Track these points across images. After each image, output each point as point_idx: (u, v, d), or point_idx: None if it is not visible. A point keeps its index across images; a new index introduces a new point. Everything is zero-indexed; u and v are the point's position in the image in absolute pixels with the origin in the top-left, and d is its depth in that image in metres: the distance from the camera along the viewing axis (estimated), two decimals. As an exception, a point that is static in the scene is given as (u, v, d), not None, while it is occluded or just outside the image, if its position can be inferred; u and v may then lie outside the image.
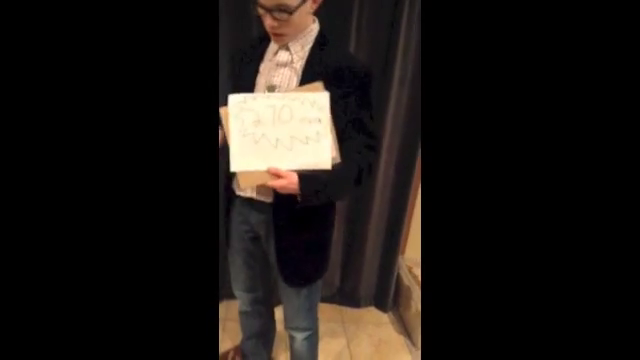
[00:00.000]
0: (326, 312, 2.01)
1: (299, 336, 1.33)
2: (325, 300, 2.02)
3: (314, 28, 1.05)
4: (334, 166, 0.98)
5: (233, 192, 1.18)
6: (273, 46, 1.07)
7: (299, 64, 1.04)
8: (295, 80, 1.03)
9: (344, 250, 1.99)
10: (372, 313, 2.09)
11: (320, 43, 1.04)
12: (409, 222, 1.98)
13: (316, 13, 1.07)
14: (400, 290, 2.05)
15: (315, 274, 1.22)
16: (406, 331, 1.95)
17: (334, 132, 0.98)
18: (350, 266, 2.02)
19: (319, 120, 0.96)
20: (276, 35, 1.01)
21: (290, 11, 0.93)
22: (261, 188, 1.08)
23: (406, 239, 2.03)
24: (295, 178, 0.96)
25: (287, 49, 1.04)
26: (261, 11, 0.96)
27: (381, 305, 2.09)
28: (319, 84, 0.96)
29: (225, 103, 0.99)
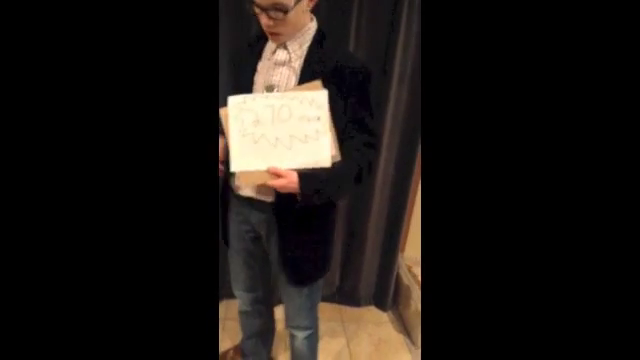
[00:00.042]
0: (326, 311, 2.01)
1: (300, 335, 1.33)
2: (325, 299, 2.02)
3: (312, 27, 1.05)
4: (334, 164, 0.98)
5: (233, 191, 1.18)
6: (271, 45, 1.07)
7: (297, 63, 1.03)
8: (294, 79, 1.03)
9: (344, 249, 1.99)
10: (372, 312, 2.09)
11: (318, 41, 1.04)
12: (409, 221, 1.98)
13: (315, 12, 1.06)
14: (400, 289, 2.05)
15: (318, 272, 1.22)
16: (406, 330, 1.95)
17: (333, 130, 0.98)
18: (350, 265, 2.02)
19: (318, 118, 0.96)
20: (273, 34, 1.01)
21: (286, 10, 0.93)
22: (261, 187, 1.08)
23: (405, 238, 2.03)
24: (295, 177, 0.96)
25: (285, 48, 1.04)
26: (257, 10, 0.96)
27: (381, 304, 2.09)
28: (318, 83, 0.96)
29: (225, 104, 0.99)
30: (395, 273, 2.01)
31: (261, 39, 1.09)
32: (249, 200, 1.13)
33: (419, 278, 1.89)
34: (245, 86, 1.07)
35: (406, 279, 1.98)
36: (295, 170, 0.97)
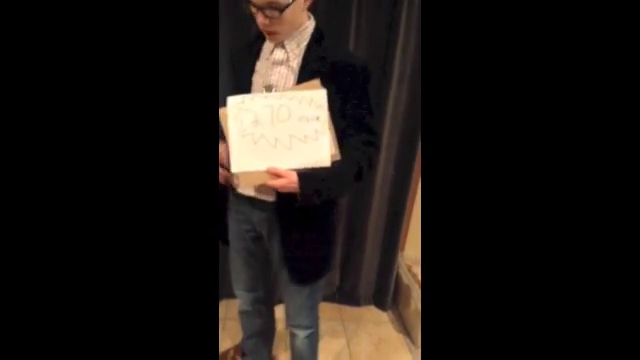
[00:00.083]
0: (326, 311, 2.01)
1: (301, 334, 1.33)
2: (325, 299, 2.02)
3: (310, 25, 1.04)
4: (333, 163, 0.98)
5: (233, 191, 1.18)
6: (269, 45, 1.06)
7: (295, 62, 1.03)
8: (292, 78, 1.03)
9: (343, 249, 1.99)
10: (372, 312, 2.09)
11: (316, 40, 1.04)
12: (408, 220, 1.98)
13: (314, 11, 1.06)
14: (400, 288, 2.05)
15: (320, 271, 1.22)
16: (405, 330, 1.96)
17: (332, 129, 0.98)
18: (349, 265, 2.02)
19: (317, 118, 0.96)
20: (270, 33, 1.00)
21: (281, 8, 0.93)
22: (262, 187, 1.08)
23: (405, 237, 2.03)
24: (295, 177, 0.96)
25: (282, 47, 1.03)
26: (253, 9, 0.96)
27: (380, 304, 2.09)
28: (316, 82, 0.96)
29: (225, 104, 0.99)
30: (395, 272, 2.01)
31: (259, 39, 1.09)
32: (250, 199, 1.13)
33: (419, 277, 1.90)
34: (244, 86, 1.07)
35: (406, 278, 1.98)
36: (295, 170, 0.97)
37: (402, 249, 2.04)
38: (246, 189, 1.12)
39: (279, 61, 1.04)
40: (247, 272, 1.33)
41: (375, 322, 2.02)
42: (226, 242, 1.30)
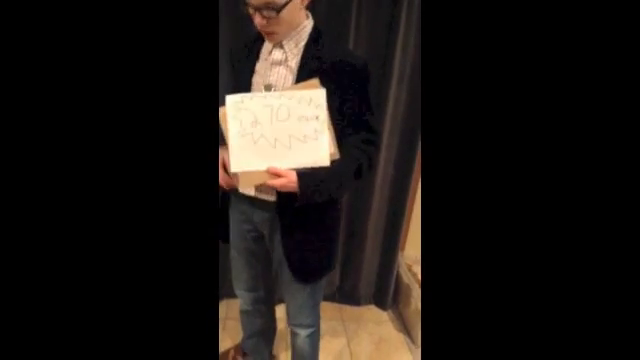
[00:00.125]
0: (326, 311, 2.01)
1: (302, 333, 1.33)
2: (325, 299, 2.02)
3: (308, 24, 1.04)
4: (332, 162, 0.98)
5: (235, 191, 1.18)
6: (268, 45, 1.06)
7: (294, 62, 1.03)
8: (290, 78, 1.03)
9: (344, 248, 2.00)
10: (372, 311, 2.09)
11: (315, 39, 1.03)
12: (408, 220, 1.98)
13: (314, 11, 1.06)
14: (400, 288, 2.06)
15: (322, 270, 1.22)
16: (406, 329, 1.96)
17: (332, 128, 0.98)
18: (350, 264, 2.02)
19: (316, 117, 0.96)
20: (268, 34, 1.00)
21: (278, 8, 0.93)
22: (263, 187, 1.09)
23: (405, 237, 2.03)
24: (294, 177, 0.96)
25: (281, 47, 1.03)
26: (250, 10, 0.96)
27: (381, 303, 2.09)
28: (315, 81, 0.96)
29: (225, 103, 0.99)
30: (395, 272, 2.01)
31: (258, 39, 1.09)
32: (251, 199, 1.14)
33: (419, 277, 1.90)
34: (244, 87, 1.07)
35: (406, 278, 1.98)
36: (294, 169, 0.97)
37: (402, 249, 2.04)
38: (246, 189, 1.12)
39: (277, 61, 1.04)
40: (248, 272, 1.33)
41: (375, 321, 2.02)
42: (227, 241, 1.30)
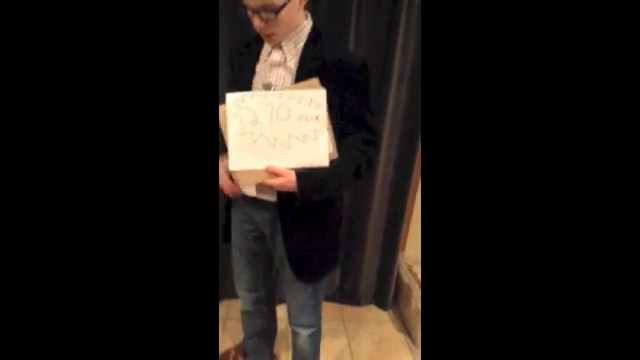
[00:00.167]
0: (327, 311, 2.00)
1: (303, 333, 1.33)
2: (326, 299, 2.01)
3: (307, 25, 1.04)
4: (331, 162, 0.98)
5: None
6: (267, 46, 1.07)
7: (292, 62, 1.03)
8: (289, 79, 1.03)
9: (344, 249, 2.00)
10: (372, 311, 2.09)
11: (313, 40, 1.03)
12: (409, 220, 1.98)
13: (314, 11, 1.06)
14: (400, 288, 2.06)
15: (324, 269, 1.22)
16: (406, 329, 1.96)
17: (331, 128, 0.98)
18: (350, 265, 2.02)
19: (316, 118, 0.96)
20: (267, 36, 1.01)
21: (276, 10, 0.93)
22: (263, 187, 1.09)
23: (406, 237, 2.03)
24: (293, 177, 0.96)
25: (280, 48, 1.03)
26: (249, 12, 0.96)
27: (381, 303, 2.09)
28: (315, 81, 0.96)
29: (224, 102, 0.99)
30: (395, 272, 2.01)
31: (259, 40, 1.09)
32: (253, 199, 1.14)
33: (419, 277, 1.90)
34: (244, 88, 1.06)
35: (406, 278, 1.98)
36: (293, 169, 0.97)
37: (402, 249, 2.04)
38: (245, 188, 1.12)
39: (276, 63, 1.04)
40: (250, 272, 1.33)
41: (376, 322, 2.02)
42: (228, 241, 1.30)
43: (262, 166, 0.97)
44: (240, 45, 1.16)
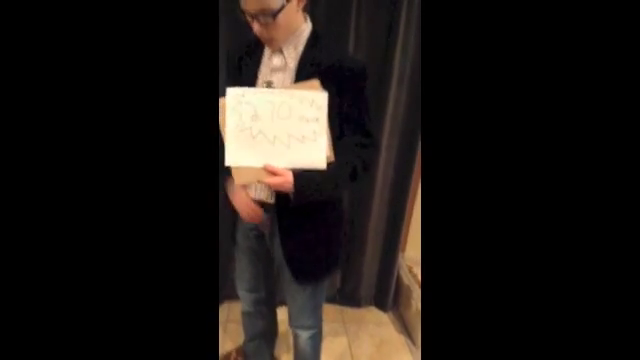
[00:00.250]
0: (327, 312, 2.00)
1: (304, 334, 1.33)
2: (326, 300, 2.00)
3: (306, 28, 1.04)
4: (328, 165, 0.98)
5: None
6: (268, 50, 1.07)
7: (292, 65, 1.03)
8: (289, 82, 1.03)
9: (344, 250, 1.99)
10: (373, 313, 2.09)
11: (312, 42, 1.04)
12: (409, 221, 1.98)
13: (314, 13, 1.06)
14: (400, 289, 2.05)
15: (323, 271, 1.22)
16: (406, 330, 1.95)
17: (328, 131, 0.98)
18: (350, 266, 2.02)
19: (317, 119, 0.95)
20: (267, 40, 1.01)
21: (274, 14, 0.93)
22: (261, 187, 1.08)
23: (406, 238, 2.03)
24: (291, 177, 0.96)
25: (280, 52, 1.04)
26: (248, 18, 0.96)
27: (381, 305, 2.09)
28: (315, 82, 0.96)
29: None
30: (395, 274, 2.01)
31: (259, 44, 1.09)
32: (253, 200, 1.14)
33: (419, 278, 1.89)
34: None
35: (406, 279, 1.98)
36: (290, 169, 0.97)
37: (403, 250, 2.04)
38: (239, 183, 1.10)
39: (277, 67, 1.05)
40: (250, 271, 1.34)
41: (376, 323, 2.01)
42: (234, 241, 1.31)
43: (259, 163, 0.96)
44: (239, 49, 1.16)
